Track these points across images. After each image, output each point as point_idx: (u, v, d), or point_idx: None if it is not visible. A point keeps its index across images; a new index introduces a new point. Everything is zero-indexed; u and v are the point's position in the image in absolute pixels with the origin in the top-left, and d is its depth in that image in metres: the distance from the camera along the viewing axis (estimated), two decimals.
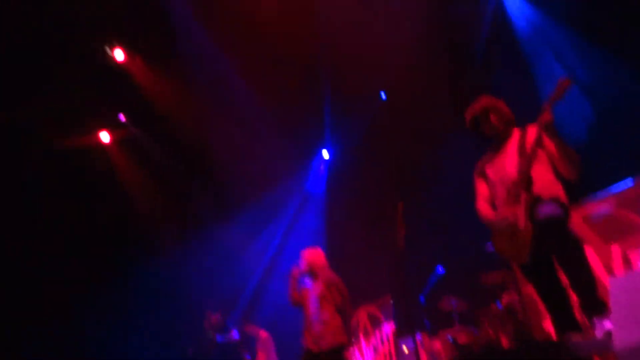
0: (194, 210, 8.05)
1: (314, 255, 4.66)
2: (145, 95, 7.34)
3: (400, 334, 6.63)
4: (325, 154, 8.79)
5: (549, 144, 2.82)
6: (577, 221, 5.25)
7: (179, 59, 7.09)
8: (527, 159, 2.81)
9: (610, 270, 4.79)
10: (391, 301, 7.27)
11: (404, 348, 6.18)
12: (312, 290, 4.55)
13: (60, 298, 6.90)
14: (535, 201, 2.72)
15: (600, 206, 5.21)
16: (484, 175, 3.14)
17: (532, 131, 2.90)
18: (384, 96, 7.91)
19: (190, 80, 7.27)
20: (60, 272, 6.92)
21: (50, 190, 7.02)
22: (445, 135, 6.41)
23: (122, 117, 7.73)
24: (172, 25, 6.72)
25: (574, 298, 2.68)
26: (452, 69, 6.81)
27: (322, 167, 8.74)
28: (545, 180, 2.81)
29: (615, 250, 4.97)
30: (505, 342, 5.48)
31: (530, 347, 2.80)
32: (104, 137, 7.75)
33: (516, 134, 3.03)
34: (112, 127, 7.73)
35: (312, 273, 4.59)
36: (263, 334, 6.42)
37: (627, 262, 4.72)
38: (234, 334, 6.37)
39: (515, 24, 6.76)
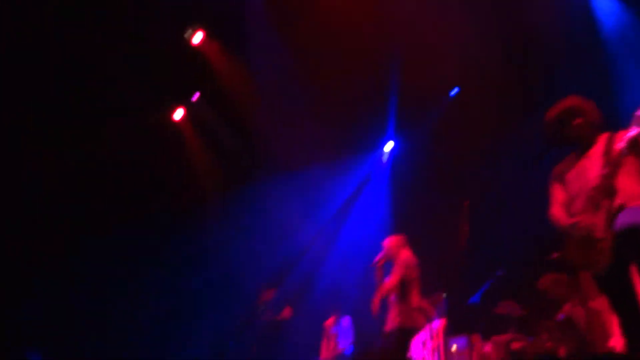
0: (250, 186, 8.22)
1: (392, 242, 4.95)
2: (217, 78, 7.59)
3: (451, 332, 6.52)
4: (390, 146, 8.78)
5: (637, 155, 2.67)
6: None
7: (250, 45, 7.27)
8: (612, 166, 2.68)
9: None
10: (444, 297, 7.18)
11: (454, 346, 6.09)
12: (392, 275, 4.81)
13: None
14: (617, 210, 2.59)
15: None
16: (562, 180, 3.01)
17: (620, 138, 2.75)
18: (453, 92, 7.78)
19: (260, 69, 7.43)
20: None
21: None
22: (517, 135, 6.18)
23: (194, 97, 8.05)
24: (247, 12, 6.90)
25: None
26: (527, 65, 6.52)
27: (386, 157, 8.73)
28: (630, 190, 2.67)
29: None
30: (562, 354, 5.28)
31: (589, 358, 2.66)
32: (178, 114, 8.12)
33: (603, 139, 2.88)
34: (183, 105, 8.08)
35: (392, 259, 4.84)
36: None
37: None
38: (286, 312, 6.52)
39: (602, 21, 6.35)
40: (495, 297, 6.13)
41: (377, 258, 4.94)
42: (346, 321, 6.51)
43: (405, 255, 4.86)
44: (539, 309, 5.97)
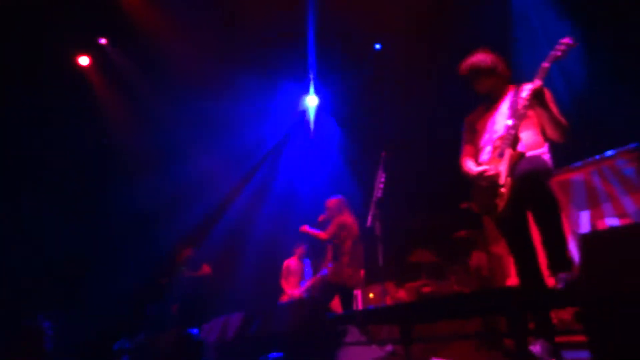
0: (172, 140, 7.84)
1: (332, 204, 5.25)
2: (126, 16, 6.95)
3: (369, 281, 6.80)
4: (312, 100, 8.70)
5: (539, 108, 2.79)
6: (552, 187, 5.36)
7: None
8: (517, 117, 2.79)
9: (576, 236, 4.93)
10: (362, 248, 7.46)
11: (370, 294, 6.38)
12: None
13: None
14: (518, 158, 2.72)
15: (576, 173, 5.31)
16: (473, 131, 3.11)
17: (525, 90, 2.86)
18: (377, 47, 7.77)
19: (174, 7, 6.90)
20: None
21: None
22: (437, 88, 6.33)
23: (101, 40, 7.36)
24: None
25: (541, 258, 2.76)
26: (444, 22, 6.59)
27: (308, 112, 8.65)
28: (531, 140, 2.81)
29: (584, 217, 5.11)
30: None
31: (492, 291, 2.88)
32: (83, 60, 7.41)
33: (510, 91, 2.99)
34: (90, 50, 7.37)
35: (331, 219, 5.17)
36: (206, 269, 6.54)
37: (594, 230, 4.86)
38: (205, 269, 6.42)
39: None
40: (409, 247, 6.45)
41: (320, 218, 5.24)
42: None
43: (343, 217, 5.10)
44: (449, 256, 6.38)
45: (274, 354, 3.17)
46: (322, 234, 5.10)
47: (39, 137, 6.98)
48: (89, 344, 6.05)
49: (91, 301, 6.56)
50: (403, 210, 6.65)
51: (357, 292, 7.33)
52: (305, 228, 5.29)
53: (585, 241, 1.98)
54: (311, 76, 8.04)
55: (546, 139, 2.85)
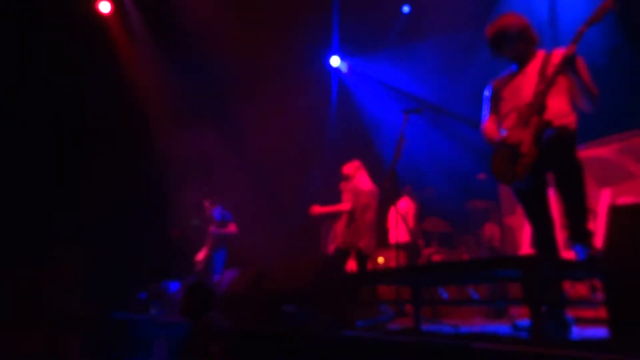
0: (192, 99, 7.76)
1: (349, 169, 5.08)
2: None
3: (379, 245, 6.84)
4: (336, 61, 8.57)
5: (570, 75, 2.69)
6: None
7: None
8: (545, 84, 2.70)
9: (594, 214, 4.86)
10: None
11: (380, 258, 6.42)
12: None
13: None
14: (545, 126, 2.64)
15: (600, 150, 5.18)
16: (498, 96, 3.03)
17: (556, 56, 2.75)
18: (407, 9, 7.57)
19: None
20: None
21: None
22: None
23: None
24: None
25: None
26: None
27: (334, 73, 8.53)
28: (559, 109, 2.73)
29: (606, 194, 5.03)
30: None
31: (505, 258, 2.87)
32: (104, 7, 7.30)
33: (539, 56, 2.88)
34: None
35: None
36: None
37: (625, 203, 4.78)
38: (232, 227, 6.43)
39: None
40: (422, 215, 6.45)
41: (341, 186, 5.06)
42: None
43: (359, 182, 4.97)
44: (461, 226, 6.38)
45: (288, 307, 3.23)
46: (341, 207, 4.92)
47: (58, 86, 6.95)
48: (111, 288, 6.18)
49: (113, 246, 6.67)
50: (418, 177, 6.62)
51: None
52: (317, 209, 5.02)
53: (615, 213, 1.94)
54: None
55: (575, 108, 2.77)
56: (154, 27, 7.55)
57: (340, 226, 4.94)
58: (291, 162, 7.52)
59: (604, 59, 5.15)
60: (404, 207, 6.37)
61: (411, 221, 6.22)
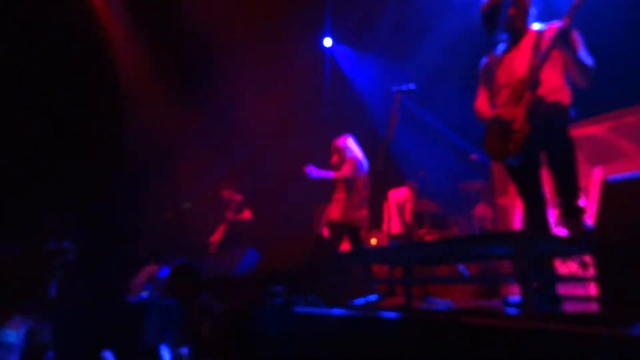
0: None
1: (340, 142, 4.97)
2: None
3: (373, 226, 6.83)
4: (328, 42, 8.50)
5: (565, 49, 2.65)
6: None
7: None
8: (539, 59, 2.65)
9: (587, 193, 4.87)
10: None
11: (373, 239, 6.44)
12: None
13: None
14: (538, 102, 2.61)
15: (592, 128, 5.18)
16: (491, 72, 2.98)
17: (550, 30, 2.71)
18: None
19: None
20: None
21: None
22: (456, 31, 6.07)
23: None
24: None
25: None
26: None
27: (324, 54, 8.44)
28: (553, 84, 2.69)
29: (597, 173, 5.03)
30: None
31: (501, 233, 2.86)
32: None
33: (533, 32, 2.83)
34: None
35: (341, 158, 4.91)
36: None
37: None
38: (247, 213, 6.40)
39: None
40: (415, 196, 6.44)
41: (333, 160, 4.96)
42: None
43: (354, 154, 4.88)
44: (453, 207, 6.39)
45: (277, 288, 3.21)
46: (337, 174, 4.76)
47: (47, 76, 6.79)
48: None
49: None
50: (410, 157, 6.60)
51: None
52: (313, 171, 4.77)
53: (607, 188, 1.93)
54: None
55: (569, 83, 2.74)
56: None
57: (334, 207, 4.83)
58: (283, 142, 7.45)
59: (599, 37, 5.12)
60: (402, 197, 6.33)
61: (408, 214, 6.18)
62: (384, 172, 4.25)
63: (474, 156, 5.90)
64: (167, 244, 6.69)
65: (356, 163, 4.81)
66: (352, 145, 4.95)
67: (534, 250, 2.19)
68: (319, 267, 3.15)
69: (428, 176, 6.61)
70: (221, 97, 7.56)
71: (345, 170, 4.73)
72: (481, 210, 6.11)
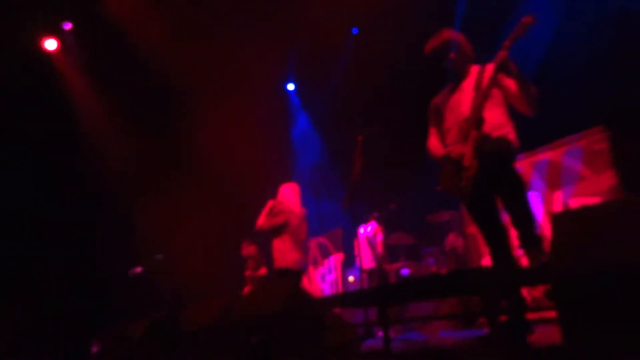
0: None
1: (285, 189, 5.24)
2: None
3: (348, 264, 6.86)
4: (290, 86, 8.79)
5: (507, 82, 2.79)
6: (525, 167, 5.48)
7: None
8: (481, 97, 2.78)
9: (551, 215, 5.03)
10: (341, 232, 7.49)
11: (350, 277, 6.43)
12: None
13: None
14: (483, 139, 2.72)
15: (548, 154, 5.41)
16: (439, 112, 3.10)
17: (489, 69, 2.86)
18: (355, 31, 7.78)
19: None
20: None
21: None
22: (411, 73, 6.32)
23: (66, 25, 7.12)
24: None
25: (512, 236, 2.81)
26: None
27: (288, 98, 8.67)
28: (496, 121, 2.80)
29: (558, 197, 5.23)
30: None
31: (465, 272, 2.94)
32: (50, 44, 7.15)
33: (474, 71, 2.98)
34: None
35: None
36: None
37: (566, 209, 4.98)
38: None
39: None
40: (388, 230, 6.51)
41: (269, 204, 5.17)
42: None
43: (290, 203, 5.12)
44: (426, 238, 6.48)
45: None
46: (267, 223, 5.05)
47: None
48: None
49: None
50: (380, 194, 6.70)
51: (337, 276, 7.41)
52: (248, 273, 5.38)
53: (556, 220, 2.02)
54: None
55: (510, 118, 2.86)
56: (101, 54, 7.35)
57: (277, 244, 5.03)
58: (241, 182, 7.49)
59: (552, 66, 5.42)
60: (371, 231, 6.42)
61: (380, 246, 6.26)
62: (353, 210, 4.33)
63: (441, 187, 6.04)
64: (138, 300, 6.50)
65: (290, 212, 5.05)
66: (291, 194, 5.19)
67: (497, 286, 2.25)
68: (295, 313, 3.14)
69: (400, 209, 6.72)
70: (186, 138, 7.57)
71: (276, 219, 5.01)
72: (452, 240, 6.21)
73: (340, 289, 7.20)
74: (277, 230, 4.98)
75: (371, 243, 6.07)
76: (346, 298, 3.41)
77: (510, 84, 2.74)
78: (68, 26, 7.13)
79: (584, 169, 5.09)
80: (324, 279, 7.67)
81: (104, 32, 6.90)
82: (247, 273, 6.26)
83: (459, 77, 2.99)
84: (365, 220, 6.35)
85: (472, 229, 5.81)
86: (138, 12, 6.79)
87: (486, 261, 5.32)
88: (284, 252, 4.92)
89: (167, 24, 6.86)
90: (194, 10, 6.92)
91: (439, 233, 6.31)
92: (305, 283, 7.93)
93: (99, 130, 7.40)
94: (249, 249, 6.31)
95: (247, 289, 6.21)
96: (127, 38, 6.92)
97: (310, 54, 7.72)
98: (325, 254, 7.75)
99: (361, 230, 6.25)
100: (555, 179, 5.29)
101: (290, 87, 8.87)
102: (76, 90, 7.36)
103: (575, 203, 5.00)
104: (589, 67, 5.06)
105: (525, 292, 3.57)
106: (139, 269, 6.11)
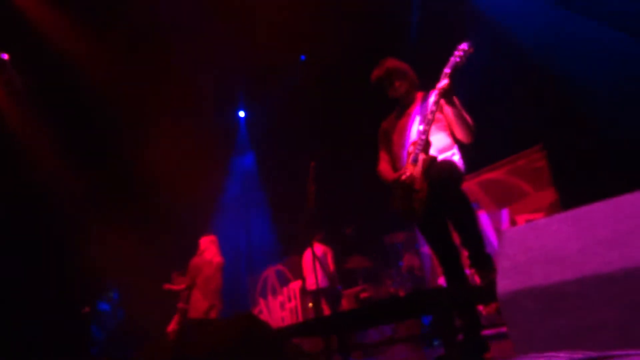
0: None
1: (204, 242, 5.55)
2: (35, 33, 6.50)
3: (306, 291, 6.77)
4: (241, 114, 8.82)
5: (447, 108, 2.90)
6: (473, 187, 5.68)
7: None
8: (426, 122, 2.88)
9: (499, 233, 5.23)
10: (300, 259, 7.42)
11: (309, 304, 6.36)
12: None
13: None
14: (430, 162, 2.80)
15: (493, 173, 5.65)
16: (388, 137, 3.18)
17: (433, 95, 2.96)
18: (302, 58, 7.91)
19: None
20: None
21: None
22: (359, 99, 6.48)
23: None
24: None
25: (464, 255, 2.88)
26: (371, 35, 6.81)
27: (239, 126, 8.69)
28: (442, 143, 2.90)
29: (505, 214, 5.44)
30: (402, 295, 5.86)
31: (419, 294, 2.98)
32: None
33: (419, 97, 3.09)
34: None
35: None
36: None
37: (513, 225, 5.19)
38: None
39: None
40: (346, 254, 6.52)
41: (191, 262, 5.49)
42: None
43: (207, 254, 5.42)
44: (383, 260, 6.54)
45: None
46: (179, 287, 5.54)
47: None
48: None
49: None
50: (335, 219, 6.73)
51: (297, 304, 7.31)
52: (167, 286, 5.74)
53: (503, 237, 2.09)
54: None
55: (455, 140, 2.97)
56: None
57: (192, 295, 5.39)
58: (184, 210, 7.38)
59: (486, 91, 5.70)
60: (320, 252, 6.41)
61: (331, 265, 6.26)
62: (310, 238, 4.32)
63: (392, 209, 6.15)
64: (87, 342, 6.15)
65: (205, 264, 5.37)
66: (210, 245, 5.48)
67: (450, 305, 2.29)
68: (253, 345, 3.05)
69: (355, 232, 6.76)
70: (134, 168, 7.37)
71: (182, 285, 5.52)
72: (408, 259, 6.30)
73: (301, 317, 7.10)
74: (190, 286, 5.38)
75: (322, 263, 6.09)
76: (304, 327, 3.36)
77: (449, 111, 2.86)
78: (5, 56, 6.85)
79: (526, 186, 5.34)
80: (283, 307, 7.54)
81: (43, 62, 6.67)
82: (180, 305, 6.06)
83: (405, 102, 3.09)
84: (310, 244, 6.36)
85: (427, 249, 5.92)
86: (78, 39, 6.62)
87: (443, 280, 5.43)
88: (194, 302, 5.30)
89: (109, 54, 6.75)
90: (137, 39, 6.83)
91: (395, 254, 6.39)
92: (264, 312, 7.77)
93: (41, 163, 7.08)
94: (178, 280, 6.15)
95: (173, 321, 6.01)
96: (67, 68, 6.72)
97: (260, 79, 7.78)
98: (284, 281, 7.65)
99: (307, 254, 6.30)
100: (501, 197, 5.51)
101: (242, 114, 8.89)
102: (16, 122, 7.03)
103: (521, 220, 5.21)
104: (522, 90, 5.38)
105: (481, 308, 3.66)
106: (87, 309, 5.83)
